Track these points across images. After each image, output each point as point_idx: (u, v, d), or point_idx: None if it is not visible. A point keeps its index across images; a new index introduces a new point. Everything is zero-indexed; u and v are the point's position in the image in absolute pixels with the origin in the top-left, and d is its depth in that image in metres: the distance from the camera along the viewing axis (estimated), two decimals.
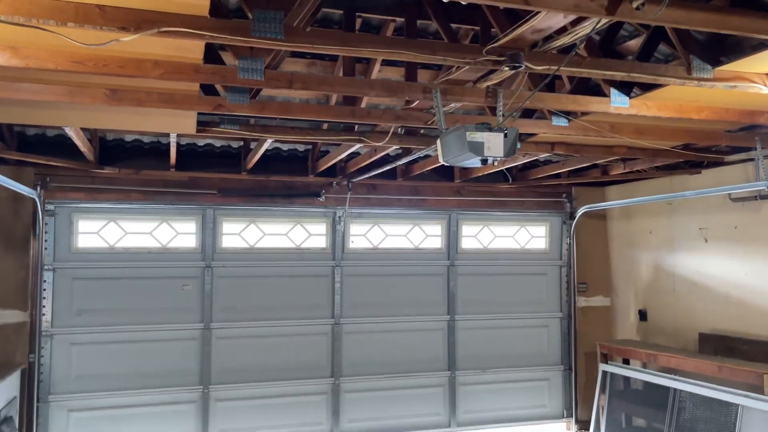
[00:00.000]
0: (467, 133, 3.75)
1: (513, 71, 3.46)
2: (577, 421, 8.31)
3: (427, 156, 6.99)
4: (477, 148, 3.76)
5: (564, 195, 8.45)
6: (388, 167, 5.96)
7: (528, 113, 5.25)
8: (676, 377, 6.52)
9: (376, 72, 4.92)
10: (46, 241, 6.55)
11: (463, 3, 3.48)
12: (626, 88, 4.44)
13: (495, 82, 3.93)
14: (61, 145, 6.46)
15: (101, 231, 6.86)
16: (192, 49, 3.32)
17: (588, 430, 7.77)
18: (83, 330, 6.73)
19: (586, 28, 3.04)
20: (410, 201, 7.93)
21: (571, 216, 8.38)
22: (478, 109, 5.54)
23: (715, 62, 3.84)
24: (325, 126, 5.87)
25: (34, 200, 6.39)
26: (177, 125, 4.80)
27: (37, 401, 6.49)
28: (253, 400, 7.25)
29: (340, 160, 7.14)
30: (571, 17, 3.05)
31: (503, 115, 4.00)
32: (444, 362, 7.98)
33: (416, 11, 4.09)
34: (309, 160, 7.37)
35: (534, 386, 8.31)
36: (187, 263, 7.13)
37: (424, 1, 3.94)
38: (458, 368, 7.98)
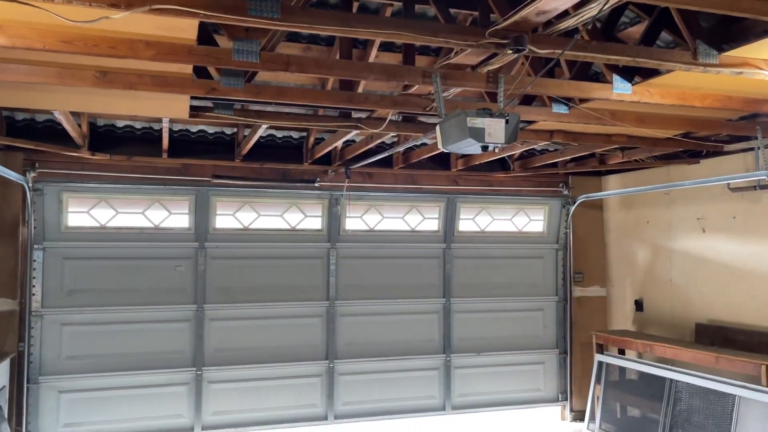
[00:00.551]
0: (468, 118, 3.67)
1: (516, 55, 3.36)
2: (572, 411, 8.30)
3: (423, 144, 6.92)
4: (478, 134, 3.68)
5: (561, 185, 8.39)
6: (384, 154, 5.86)
7: (527, 100, 5.17)
8: (672, 368, 6.49)
9: (373, 57, 4.81)
10: (35, 220, 6.39)
11: None
12: (628, 74, 4.36)
13: (496, 66, 3.83)
14: (50, 132, 6.33)
15: (92, 210, 6.69)
16: (185, 29, 3.21)
17: (583, 420, 7.76)
18: (74, 310, 6.62)
19: (592, 10, 2.95)
20: (406, 190, 7.84)
21: (572, 201, 8.30)
22: (478, 96, 5.45)
23: (720, 49, 3.76)
24: (320, 112, 5.78)
25: (23, 187, 6.27)
26: (169, 110, 4.69)
27: (27, 382, 6.40)
28: (247, 382, 7.18)
29: (336, 147, 7.05)
30: None
31: (504, 101, 3.91)
32: (439, 345, 7.92)
33: None
34: (304, 147, 7.26)
35: (529, 370, 8.28)
36: (180, 243, 7.01)
37: None
38: (453, 351, 7.93)
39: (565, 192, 8.36)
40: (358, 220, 7.64)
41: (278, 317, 7.34)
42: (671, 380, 6.43)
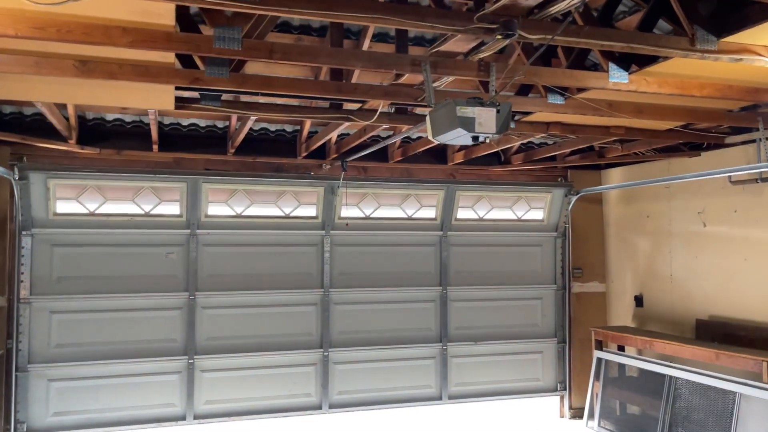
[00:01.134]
0: (457, 107, 3.55)
1: (507, 40, 3.23)
2: (571, 408, 8.18)
3: (419, 138, 6.80)
4: (468, 124, 3.56)
5: (560, 179, 8.26)
6: (377, 147, 5.73)
7: (524, 91, 5.05)
8: (672, 364, 6.37)
9: (366, 48, 4.70)
10: (22, 207, 6.26)
11: None
12: (625, 63, 4.23)
13: (487, 54, 3.71)
14: (39, 125, 6.23)
15: (80, 197, 6.54)
16: (161, 14, 3.10)
17: (582, 417, 7.64)
18: (63, 298, 6.50)
19: None
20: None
21: (575, 191, 8.13)
22: (473, 88, 5.32)
23: (719, 35, 3.63)
24: (314, 104, 5.65)
25: (10, 182, 6.16)
26: (154, 100, 4.57)
27: (16, 371, 6.29)
28: (240, 371, 7.05)
29: (331, 141, 6.94)
30: None
31: (496, 91, 3.79)
32: (436, 334, 7.79)
33: None
34: (298, 140, 7.15)
35: (527, 359, 8.13)
36: (172, 230, 6.88)
37: None
38: (450, 340, 7.80)
39: (568, 181, 8.20)
40: (354, 208, 7.46)
41: (272, 305, 7.21)
42: (671, 377, 6.31)
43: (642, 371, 6.85)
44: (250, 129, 7.03)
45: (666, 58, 3.80)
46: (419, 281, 7.77)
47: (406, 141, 7.27)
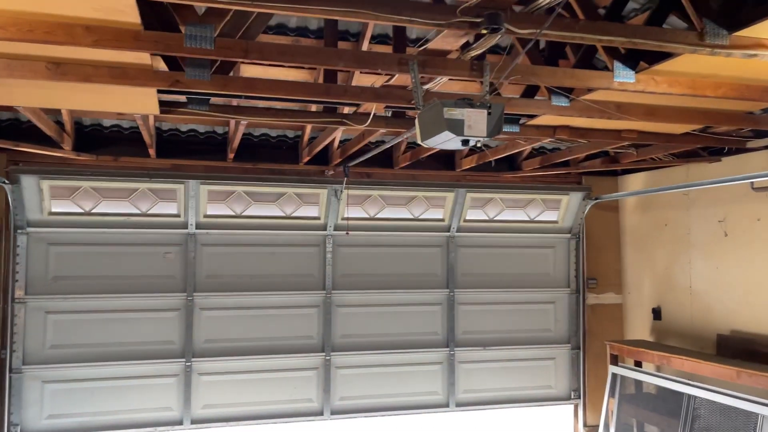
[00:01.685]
0: (445, 109, 3.31)
1: (495, 35, 2.99)
2: (585, 425, 7.82)
3: (414, 144, 6.54)
4: (456, 127, 3.31)
5: (573, 186, 7.91)
6: (378, 150, 5.48)
7: (530, 92, 4.79)
8: (692, 382, 6.01)
9: (366, 49, 4.48)
10: (15, 207, 6.15)
11: None
12: (632, 61, 3.94)
13: (479, 51, 3.47)
14: (34, 132, 6.08)
15: (75, 197, 6.40)
16: (124, 11, 2.91)
17: None
18: (59, 297, 6.39)
19: None
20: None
21: (593, 196, 7.78)
22: (479, 91, 5.06)
23: (731, 29, 3.34)
24: (313, 108, 5.45)
25: (5, 190, 6.07)
26: (136, 104, 4.41)
27: (10, 372, 6.19)
28: (239, 375, 6.88)
29: (333, 147, 6.74)
30: None
31: (489, 91, 3.54)
32: (442, 338, 7.51)
33: None
34: (299, 146, 6.96)
35: (539, 365, 7.80)
36: (170, 230, 6.74)
37: None
38: (457, 345, 7.50)
39: (586, 185, 7.84)
40: (357, 208, 7.21)
41: (272, 307, 7.03)
42: (690, 396, 5.95)
43: (660, 389, 6.48)
44: (251, 135, 6.90)
45: (674, 55, 3.51)
46: (425, 283, 7.50)
47: (412, 146, 7.04)
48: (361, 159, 6.08)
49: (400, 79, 4.08)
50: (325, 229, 7.15)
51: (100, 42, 3.11)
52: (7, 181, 5.99)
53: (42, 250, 6.37)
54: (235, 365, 6.86)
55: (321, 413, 7.09)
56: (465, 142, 3.42)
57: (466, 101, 3.37)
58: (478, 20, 2.85)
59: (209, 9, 3.30)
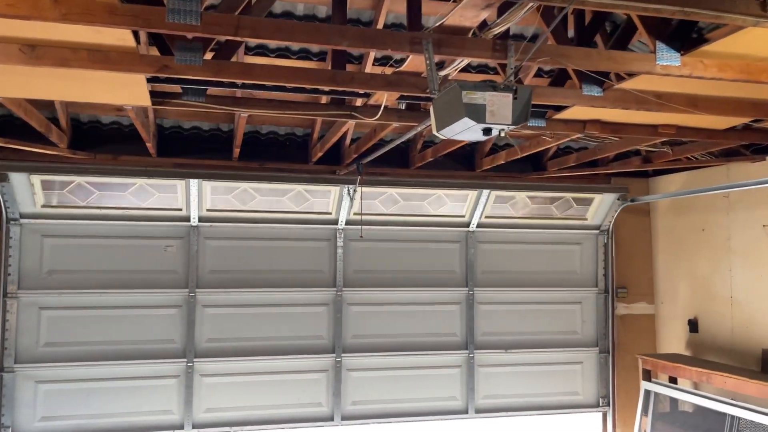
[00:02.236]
0: (463, 92, 2.87)
1: (522, 5, 2.54)
2: None
3: (443, 140, 6.09)
4: (476, 113, 2.87)
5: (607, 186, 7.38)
6: (392, 146, 5.05)
7: (559, 80, 4.33)
8: (734, 402, 5.48)
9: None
10: (6, 201, 5.87)
11: None
12: (677, 41, 3.48)
13: (502, 29, 3.03)
14: (30, 129, 5.78)
15: (69, 190, 6.08)
16: None
17: None
18: (53, 292, 6.12)
19: None
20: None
21: (627, 197, 7.26)
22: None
23: None
24: (324, 100, 5.02)
25: None
26: (124, 95, 4.03)
27: (2, 370, 5.92)
28: (243, 377, 6.55)
29: (345, 144, 6.33)
30: None
31: (515, 74, 3.09)
32: (461, 340, 7.08)
33: None
34: (309, 144, 6.55)
35: (565, 370, 7.34)
36: (171, 222, 6.40)
37: None
38: (477, 347, 7.09)
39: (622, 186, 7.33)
40: (372, 202, 6.79)
41: (279, 305, 6.68)
42: (733, 417, 5.42)
43: (698, 408, 5.96)
44: (257, 133, 6.53)
45: (715, 27, 3.03)
46: (443, 281, 7.09)
47: (429, 144, 6.61)
48: (374, 156, 5.64)
49: (413, 64, 3.64)
50: (336, 223, 6.74)
51: (69, 16, 2.73)
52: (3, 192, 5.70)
53: (36, 242, 6.09)
54: (240, 366, 6.52)
55: (331, 418, 6.72)
56: (487, 131, 2.98)
57: (488, 84, 2.93)
58: None
59: None
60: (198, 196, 6.29)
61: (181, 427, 6.36)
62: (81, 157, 5.93)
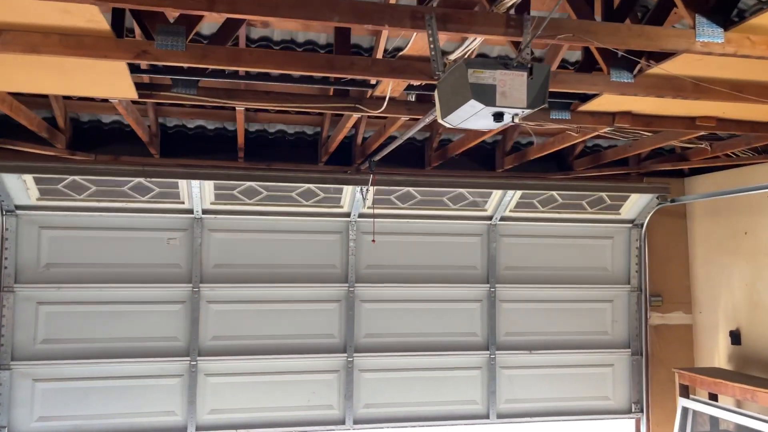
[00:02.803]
0: (470, 71, 2.49)
1: None
2: None
3: (460, 136, 5.71)
4: (484, 94, 2.49)
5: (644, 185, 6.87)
6: (400, 141, 4.65)
7: (587, 66, 3.92)
8: None
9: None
10: (2, 201, 5.69)
11: None
12: (720, 15, 3.04)
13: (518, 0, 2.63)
14: (27, 129, 5.57)
15: (63, 185, 5.82)
16: None
17: None
18: (52, 287, 5.89)
19: None
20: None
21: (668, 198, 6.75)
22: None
23: None
24: (332, 92, 4.66)
25: None
26: (106, 87, 3.72)
27: None
28: (250, 377, 6.25)
29: (357, 143, 5.98)
30: None
31: (531, 51, 2.69)
32: (482, 340, 6.68)
33: None
34: (319, 144, 6.22)
35: (594, 373, 6.87)
36: (173, 214, 6.14)
37: None
38: (499, 348, 6.68)
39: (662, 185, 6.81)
40: (387, 197, 6.42)
41: (288, 301, 6.37)
42: None
43: (741, 427, 5.45)
44: (265, 131, 6.22)
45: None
46: (462, 277, 6.69)
47: (445, 142, 6.22)
48: (386, 152, 5.26)
49: (419, 46, 3.26)
50: (348, 216, 6.40)
51: None
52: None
53: (33, 233, 5.88)
54: (246, 366, 6.24)
55: (342, 422, 6.38)
56: (498, 117, 2.58)
57: (499, 61, 2.54)
58: None
59: None
60: (200, 195, 6.03)
61: (184, 429, 6.08)
62: (81, 158, 5.69)
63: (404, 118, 4.42)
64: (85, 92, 4.09)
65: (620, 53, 3.24)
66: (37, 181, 5.71)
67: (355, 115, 4.37)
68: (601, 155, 6.22)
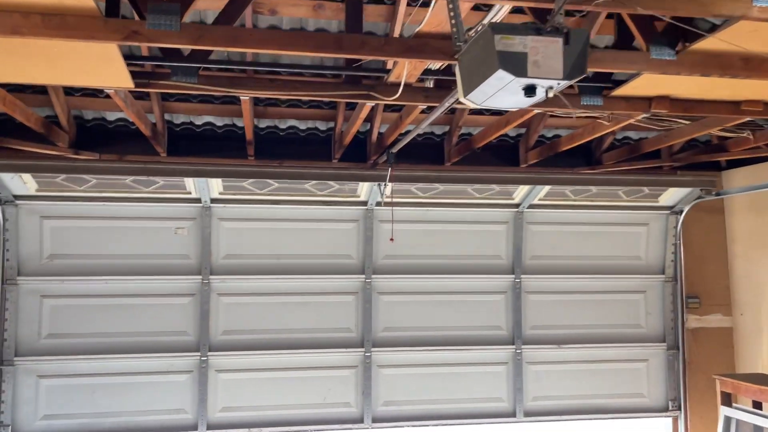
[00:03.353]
0: (497, 37, 2.16)
1: None
2: None
3: (468, 134, 5.35)
4: (514, 63, 2.15)
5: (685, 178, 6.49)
6: (419, 130, 4.32)
7: (624, 42, 3.57)
8: None
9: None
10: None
11: None
12: None
13: None
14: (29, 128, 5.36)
15: (62, 179, 5.63)
16: None
17: None
18: (55, 279, 5.75)
19: None
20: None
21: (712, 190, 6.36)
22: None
23: None
24: (343, 79, 4.35)
25: None
26: (99, 75, 3.45)
27: (1, 364, 5.55)
28: (263, 372, 6.07)
29: (372, 139, 5.68)
30: None
31: (564, 14, 2.35)
32: (507, 334, 6.43)
33: None
34: (332, 140, 5.92)
35: (627, 368, 6.57)
36: (181, 203, 5.94)
37: None
38: (525, 342, 6.43)
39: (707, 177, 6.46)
40: (407, 185, 6.16)
41: (301, 293, 6.17)
42: None
43: None
44: (276, 128, 5.94)
45: None
46: (486, 268, 6.44)
47: (465, 137, 5.88)
48: (404, 143, 4.92)
49: (437, 20, 2.93)
50: (365, 205, 6.15)
51: None
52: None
53: (34, 223, 5.71)
54: (259, 361, 6.05)
55: (361, 420, 6.17)
56: (529, 91, 2.25)
57: (531, 26, 2.20)
58: None
59: None
60: (207, 188, 5.82)
61: (195, 427, 5.91)
62: (85, 157, 5.46)
63: (422, 105, 4.10)
64: (75, 81, 3.83)
65: (666, 19, 2.88)
66: (35, 176, 5.52)
67: (369, 104, 4.06)
68: (633, 147, 5.84)
